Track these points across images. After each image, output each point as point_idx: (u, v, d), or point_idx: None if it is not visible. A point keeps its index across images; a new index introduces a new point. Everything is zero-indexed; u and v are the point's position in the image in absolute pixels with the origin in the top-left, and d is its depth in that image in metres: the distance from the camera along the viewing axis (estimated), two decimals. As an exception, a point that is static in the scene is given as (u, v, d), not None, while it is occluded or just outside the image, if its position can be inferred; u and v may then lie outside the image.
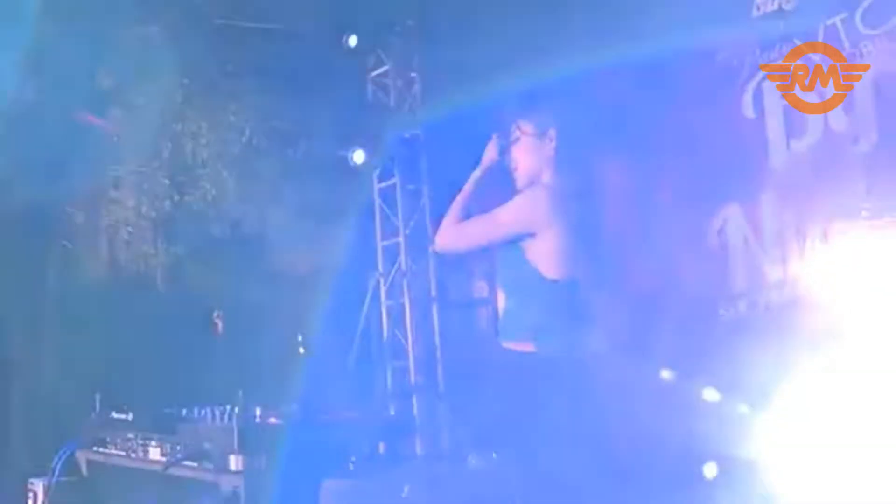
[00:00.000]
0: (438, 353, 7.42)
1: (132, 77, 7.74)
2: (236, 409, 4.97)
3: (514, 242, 4.04)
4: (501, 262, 4.22)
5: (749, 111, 5.70)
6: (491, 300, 6.94)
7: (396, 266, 7.66)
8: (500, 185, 4.33)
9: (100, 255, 8.16)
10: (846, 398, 4.25)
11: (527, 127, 4.22)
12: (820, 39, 5.25)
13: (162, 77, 7.76)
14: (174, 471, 4.68)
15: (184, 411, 5.26)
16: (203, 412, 5.12)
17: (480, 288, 7.46)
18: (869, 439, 4.15)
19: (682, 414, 4.90)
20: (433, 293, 7.56)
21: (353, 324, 7.44)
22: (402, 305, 7.57)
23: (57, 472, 5.21)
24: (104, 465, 5.52)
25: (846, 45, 5.14)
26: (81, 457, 5.65)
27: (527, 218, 4.04)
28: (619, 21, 5.68)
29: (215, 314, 6.77)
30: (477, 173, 4.35)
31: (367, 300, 7.48)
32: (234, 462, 4.55)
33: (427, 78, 7.55)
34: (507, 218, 4.08)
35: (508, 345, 4.08)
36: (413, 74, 7.66)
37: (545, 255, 3.99)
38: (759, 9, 5.54)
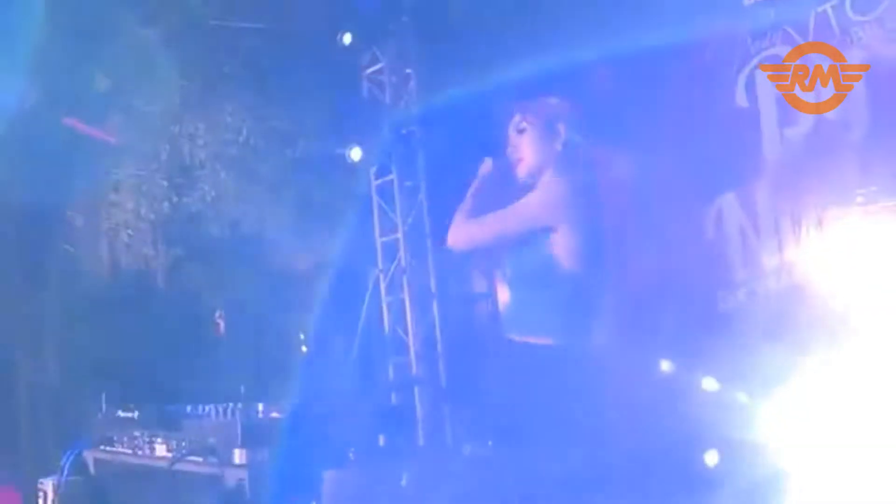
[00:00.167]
0: (439, 348, 7.44)
1: (129, 80, 7.78)
2: (239, 405, 5.02)
3: (533, 236, 4.05)
4: (514, 257, 4.19)
5: (742, 100, 5.72)
6: (491, 294, 6.96)
7: (396, 262, 7.68)
8: (505, 182, 4.34)
9: (101, 258, 8.21)
10: (845, 385, 4.25)
11: (534, 119, 4.20)
12: (810, 27, 5.29)
13: (159, 80, 7.80)
14: (180, 466, 4.73)
15: (188, 408, 5.31)
16: (207, 409, 5.17)
17: (480, 282, 7.48)
18: (868, 427, 4.13)
19: (683, 403, 4.93)
20: (433, 288, 7.58)
21: (354, 320, 7.48)
22: (402, 301, 7.58)
23: (66, 472, 5.25)
24: (111, 463, 5.57)
25: (836, 31, 5.16)
26: (89, 456, 5.69)
27: (547, 212, 4.03)
28: (611, 13, 5.68)
29: (216, 314, 6.80)
30: (483, 171, 4.36)
31: (367, 296, 7.51)
32: (239, 456, 4.61)
33: (423, 74, 7.56)
34: (527, 212, 4.06)
35: (522, 338, 4.09)
36: (408, 71, 7.66)
37: (563, 249, 4.00)
38: (750, -3, 5.58)
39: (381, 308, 7.75)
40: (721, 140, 5.73)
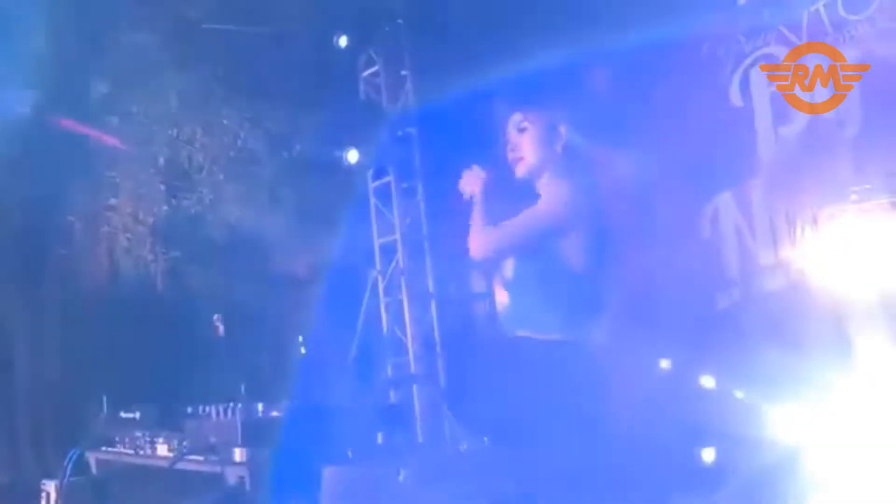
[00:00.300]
0: (438, 348, 7.46)
1: (127, 85, 7.81)
2: (239, 405, 5.05)
3: (545, 239, 4.06)
4: (519, 256, 4.21)
5: (737, 99, 5.75)
6: (489, 294, 6.97)
7: (394, 263, 7.70)
8: (507, 186, 4.35)
9: (100, 262, 8.22)
10: (841, 382, 4.28)
11: (536, 119, 4.20)
12: (804, 26, 5.33)
13: (156, 84, 7.83)
14: (181, 465, 4.76)
15: (189, 409, 5.34)
16: (207, 409, 5.20)
17: (478, 282, 7.49)
18: (864, 424, 4.17)
19: (680, 400, 4.95)
20: (431, 289, 7.60)
21: (352, 322, 7.49)
22: (401, 302, 7.61)
23: (68, 472, 5.28)
24: (113, 463, 5.60)
25: (829, 30, 5.21)
26: (91, 457, 5.72)
27: (557, 215, 4.06)
28: (605, 14, 5.71)
29: (215, 318, 6.81)
30: (483, 180, 4.33)
31: (366, 298, 7.53)
32: (239, 454, 4.64)
33: (419, 75, 7.59)
34: (541, 216, 4.08)
35: (523, 334, 4.10)
36: (404, 73, 7.67)
37: (569, 249, 4.01)
38: (743, -4, 5.62)
39: (379, 309, 7.78)
40: (716, 139, 5.76)
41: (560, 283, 4.00)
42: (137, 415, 5.55)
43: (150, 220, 8.30)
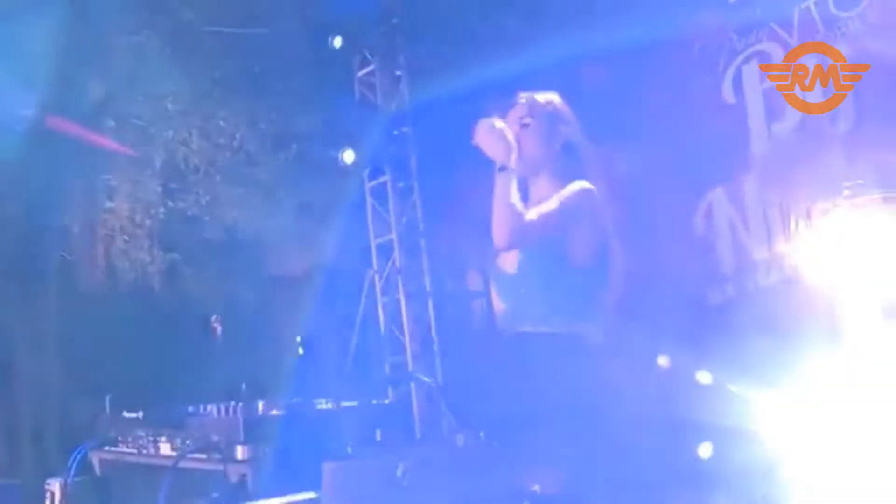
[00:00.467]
0: (436, 347, 7.50)
1: (122, 87, 7.82)
2: (240, 404, 5.09)
3: (562, 232, 3.98)
4: (528, 251, 4.08)
5: (729, 96, 5.80)
6: (486, 292, 7.00)
7: (391, 262, 7.73)
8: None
9: (98, 265, 8.22)
10: (835, 377, 4.31)
11: (539, 115, 4.10)
12: (795, 23, 5.37)
13: (152, 86, 7.84)
14: (184, 463, 4.79)
15: (190, 408, 5.37)
16: (209, 408, 5.24)
17: (475, 281, 7.52)
18: (859, 419, 4.19)
19: (675, 395, 5.00)
20: (428, 288, 7.63)
21: (350, 322, 7.53)
22: (398, 301, 7.65)
23: (72, 472, 5.31)
24: (116, 462, 5.63)
25: (820, 27, 5.25)
26: (94, 457, 5.75)
27: (577, 207, 4.04)
28: (598, 12, 5.75)
29: (213, 319, 6.83)
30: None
31: (363, 297, 7.56)
32: (241, 452, 4.68)
33: (413, 75, 7.62)
34: (563, 209, 3.93)
35: (521, 329, 4.12)
36: (399, 73, 7.71)
37: (578, 244, 4.03)
38: (735, -7, 5.66)
39: (376, 308, 7.81)
40: (709, 136, 5.80)
41: (561, 278, 4.00)
42: (140, 414, 5.57)
43: (148, 222, 8.30)
